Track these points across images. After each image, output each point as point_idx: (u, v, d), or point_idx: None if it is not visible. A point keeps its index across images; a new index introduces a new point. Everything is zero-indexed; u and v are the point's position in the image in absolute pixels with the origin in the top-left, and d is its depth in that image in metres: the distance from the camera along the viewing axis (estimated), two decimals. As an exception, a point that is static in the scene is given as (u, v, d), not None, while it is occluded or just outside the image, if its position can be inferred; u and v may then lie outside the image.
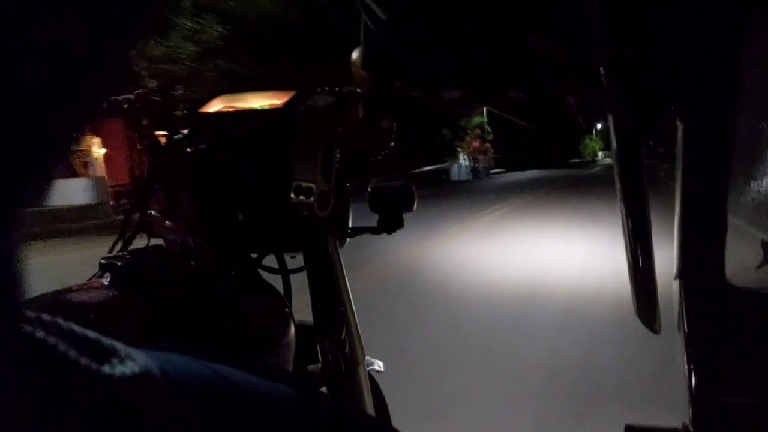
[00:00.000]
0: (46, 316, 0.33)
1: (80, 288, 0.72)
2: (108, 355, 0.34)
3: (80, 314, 0.64)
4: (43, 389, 0.29)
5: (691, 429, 0.75)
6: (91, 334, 0.35)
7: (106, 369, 0.32)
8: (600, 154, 76.09)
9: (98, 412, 0.31)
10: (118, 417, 0.31)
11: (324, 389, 0.89)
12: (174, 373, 0.39)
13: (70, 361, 0.31)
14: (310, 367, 0.91)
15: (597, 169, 43.14)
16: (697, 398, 0.75)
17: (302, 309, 0.90)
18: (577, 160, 65.02)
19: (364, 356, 0.94)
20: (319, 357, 0.90)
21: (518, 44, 0.63)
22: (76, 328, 0.35)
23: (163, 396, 0.35)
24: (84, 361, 0.31)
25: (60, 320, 0.34)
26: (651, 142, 0.79)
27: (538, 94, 0.68)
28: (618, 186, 0.73)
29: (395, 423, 1.14)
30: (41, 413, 0.29)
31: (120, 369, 0.33)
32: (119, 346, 0.35)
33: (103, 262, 0.78)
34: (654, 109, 0.71)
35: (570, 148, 65.56)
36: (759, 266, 0.75)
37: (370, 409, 0.95)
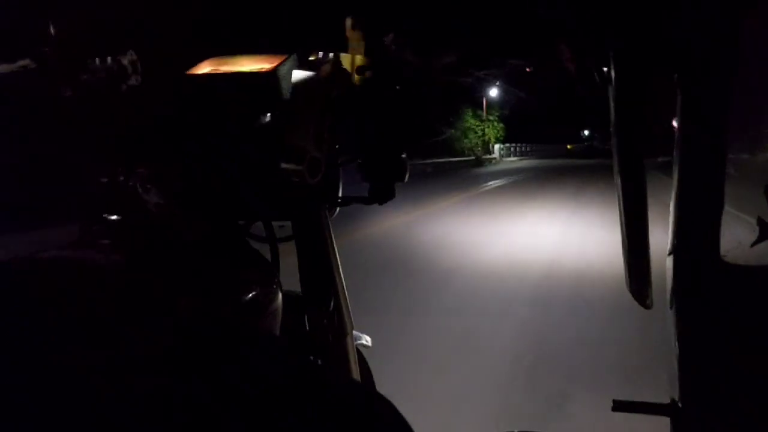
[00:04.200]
0: None
1: (65, 252, 0.70)
2: None
3: (63, 278, 0.62)
4: None
5: (680, 404, 0.75)
6: None
7: None
8: (498, 147, 38.39)
9: None
10: None
11: (311, 359, 0.88)
12: None
13: None
14: (297, 337, 0.90)
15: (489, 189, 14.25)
16: (686, 374, 0.75)
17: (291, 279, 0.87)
18: (437, 161, 22.85)
19: (352, 327, 0.93)
20: (307, 327, 0.89)
21: (520, 10, 0.62)
22: None
23: None
24: None
25: None
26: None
27: (539, 62, 0.66)
28: (615, 159, 0.72)
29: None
30: None
31: None
32: None
33: (88, 227, 0.76)
34: (654, 79, 0.69)
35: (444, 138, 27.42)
36: (754, 243, 0.74)
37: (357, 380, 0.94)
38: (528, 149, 47.05)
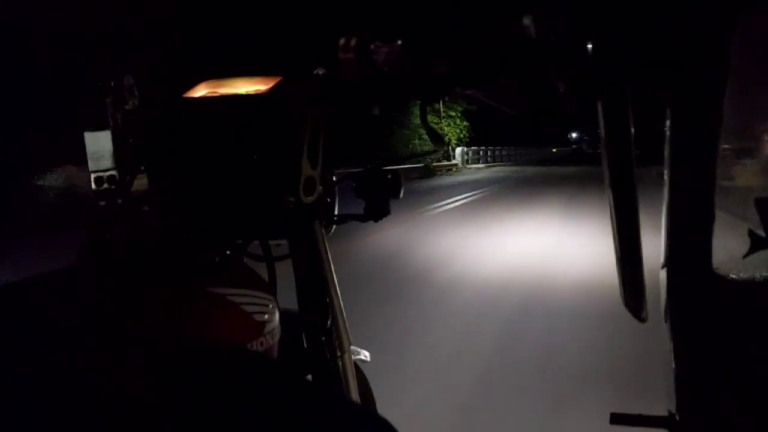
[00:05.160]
0: None
1: (59, 272, 0.71)
2: None
3: (58, 298, 0.63)
4: None
5: (677, 416, 0.75)
6: None
7: None
8: (460, 152, 27.86)
9: None
10: None
11: (309, 377, 0.89)
12: None
13: None
14: (295, 356, 0.90)
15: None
16: (682, 386, 0.75)
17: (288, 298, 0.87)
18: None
19: (350, 344, 0.93)
20: (304, 345, 0.89)
21: (510, 27, 0.63)
22: None
23: None
24: None
25: None
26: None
27: (528, 80, 0.67)
28: (606, 174, 0.72)
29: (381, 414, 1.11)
30: None
31: None
32: None
33: (84, 245, 0.76)
34: (644, 94, 0.70)
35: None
36: (745, 255, 0.75)
37: (356, 398, 0.94)
38: (502, 153, 36.11)
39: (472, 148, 30.49)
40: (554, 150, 57.50)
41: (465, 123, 29.40)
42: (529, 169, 26.16)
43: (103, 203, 0.83)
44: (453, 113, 28.47)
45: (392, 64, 0.74)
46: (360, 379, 1.07)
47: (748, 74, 0.79)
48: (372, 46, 0.76)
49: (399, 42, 0.71)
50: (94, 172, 0.93)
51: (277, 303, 0.81)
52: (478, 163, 30.91)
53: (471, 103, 27.56)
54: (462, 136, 28.96)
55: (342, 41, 0.79)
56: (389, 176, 0.95)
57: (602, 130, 0.70)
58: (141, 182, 0.85)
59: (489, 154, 33.53)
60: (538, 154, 47.07)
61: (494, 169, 27.99)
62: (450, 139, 27.45)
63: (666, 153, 0.75)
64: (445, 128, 27.66)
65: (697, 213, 0.75)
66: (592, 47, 0.63)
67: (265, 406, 0.47)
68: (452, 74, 0.71)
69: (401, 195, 0.96)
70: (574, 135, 72.89)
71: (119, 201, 0.84)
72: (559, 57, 0.62)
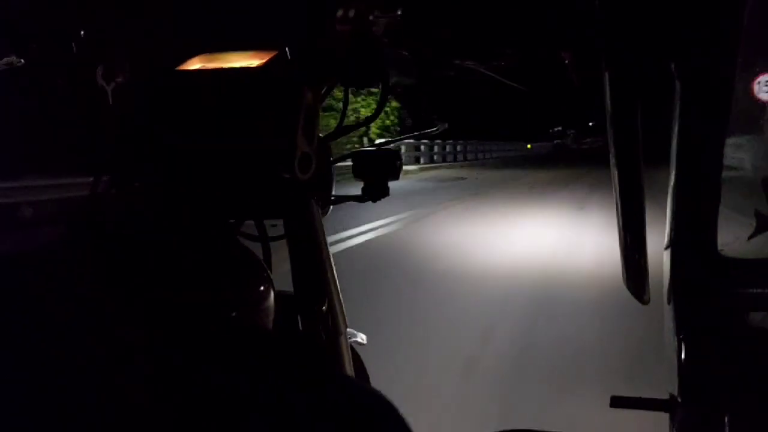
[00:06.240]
0: None
1: (52, 243, 0.69)
2: None
3: (51, 271, 0.61)
4: None
5: (679, 399, 0.74)
6: None
7: None
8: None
9: None
10: None
11: (304, 358, 0.87)
12: None
13: None
14: (291, 337, 0.88)
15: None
16: (684, 369, 0.74)
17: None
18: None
19: (346, 327, 0.92)
20: (300, 327, 0.88)
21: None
22: None
23: None
24: None
25: None
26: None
27: (532, 52, 0.65)
28: (612, 151, 0.71)
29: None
30: None
31: None
32: None
33: (74, 220, 0.74)
34: (652, 67, 0.68)
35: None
36: (751, 236, 0.73)
37: None
38: (456, 150, 26.62)
39: (408, 141, 18.80)
40: (528, 146, 43.68)
41: (394, 104, 17.00)
42: (484, 175, 17.74)
43: (92, 179, 0.81)
44: (375, 89, 9.59)
45: (392, 36, 0.72)
46: (356, 362, 1.06)
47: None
48: (371, 17, 0.74)
49: (399, 12, 0.69)
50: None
51: (273, 283, 0.80)
52: (416, 162, 21.73)
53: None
54: (389, 122, 19.32)
55: (339, 12, 0.77)
56: (388, 156, 0.93)
57: (608, 107, 0.68)
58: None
59: (435, 150, 24.10)
60: (507, 150, 36.60)
61: (432, 173, 18.91)
62: (371, 129, 18.41)
63: (674, 132, 0.74)
64: (362, 111, 16.47)
65: (703, 193, 0.73)
66: (601, 17, 0.61)
67: (260, 381, 0.46)
68: (454, 44, 0.69)
69: (400, 176, 0.94)
70: (558, 128, 58.40)
71: (110, 177, 0.82)
72: (567, 26, 0.60)
